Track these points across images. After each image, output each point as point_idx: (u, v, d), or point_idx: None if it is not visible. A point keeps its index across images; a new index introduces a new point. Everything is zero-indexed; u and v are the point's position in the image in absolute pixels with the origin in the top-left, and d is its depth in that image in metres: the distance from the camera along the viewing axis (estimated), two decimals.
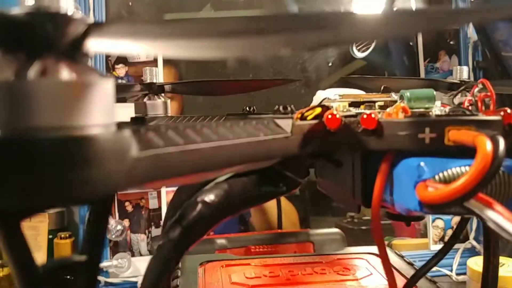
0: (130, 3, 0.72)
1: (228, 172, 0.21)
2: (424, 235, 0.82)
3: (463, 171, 0.20)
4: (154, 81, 0.42)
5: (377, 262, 0.48)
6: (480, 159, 0.18)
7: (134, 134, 0.13)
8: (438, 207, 0.19)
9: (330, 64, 0.93)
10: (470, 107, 0.28)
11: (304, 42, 0.13)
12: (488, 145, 0.18)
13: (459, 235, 0.38)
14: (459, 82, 0.44)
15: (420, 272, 0.38)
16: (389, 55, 0.94)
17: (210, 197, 0.22)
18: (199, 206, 0.21)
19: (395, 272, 0.47)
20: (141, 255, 0.74)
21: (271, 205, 0.79)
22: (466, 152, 0.19)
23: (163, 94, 0.42)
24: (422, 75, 0.86)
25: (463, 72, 0.49)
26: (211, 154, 0.16)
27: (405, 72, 0.90)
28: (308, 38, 0.13)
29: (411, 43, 0.89)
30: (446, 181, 0.20)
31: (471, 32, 0.86)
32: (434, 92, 0.27)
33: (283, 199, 0.82)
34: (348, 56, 0.89)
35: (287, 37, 0.12)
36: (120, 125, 0.13)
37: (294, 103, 0.33)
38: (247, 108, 0.37)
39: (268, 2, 0.90)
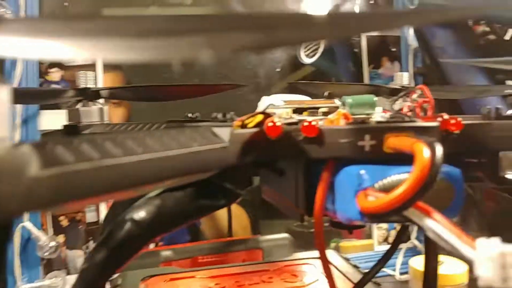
0: (66, 3, 0.68)
1: (157, 188, 0.19)
2: (370, 236, 0.84)
3: (402, 178, 0.20)
4: (89, 86, 0.39)
5: None
6: (418, 167, 0.17)
7: (37, 150, 0.12)
8: (378, 217, 0.19)
9: (279, 70, 0.93)
10: (409, 113, 0.28)
11: (232, 44, 0.12)
12: (426, 152, 0.18)
13: (401, 237, 0.39)
14: (400, 87, 0.45)
15: (367, 277, 0.38)
16: (335, 61, 0.96)
17: (140, 215, 0.20)
18: (128, 225, 0.20)
19: (341, 276, 0.47)
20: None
21: (222, 211, 0.78)
22: (407, 158, 0.19)
23: (99, 100, 0.40)
24: (367, 80, 0.88)
25: (404, 78, 0.50)
26: (133, 169, 0.15)
27: (350, 78, 0.92)
28: (238, 40, 0.12)
29: (356, 50, 0.91)
30: (386, 189, 0.19)
31: (411, 39, 0.89)
32: (375, 98, 0.27)
33: (233, 205, 0.81)
34: (298, 62, 0.89)
35: (211, 38, 0.11)
36: (43, 136, 0.11)
37: (243, 108, 0.31)
38: (190, 115, 0.36)
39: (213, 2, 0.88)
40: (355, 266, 0.50)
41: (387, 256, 0.38)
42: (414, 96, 0.26)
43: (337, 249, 0.81)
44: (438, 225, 0.17)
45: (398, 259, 0.78)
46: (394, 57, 0.91)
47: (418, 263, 0.66)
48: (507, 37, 0.83)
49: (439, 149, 0.18)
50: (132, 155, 0.14)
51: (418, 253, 0.80)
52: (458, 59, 0.84)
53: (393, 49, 0.91)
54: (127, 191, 0.15)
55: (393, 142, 0.20)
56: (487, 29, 0.85)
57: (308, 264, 0.50)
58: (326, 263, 0.24)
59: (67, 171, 0.12)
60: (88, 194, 0.13)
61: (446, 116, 0.23)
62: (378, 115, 0.26)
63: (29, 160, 0.11)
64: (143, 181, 0.15)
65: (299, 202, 0.25)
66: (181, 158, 0.17)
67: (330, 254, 0.55)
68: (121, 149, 0.14)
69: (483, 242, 0.15)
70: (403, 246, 0.81)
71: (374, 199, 0.19)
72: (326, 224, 0.26)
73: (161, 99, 0.50)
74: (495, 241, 0.14)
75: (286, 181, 0.26)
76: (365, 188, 0.19)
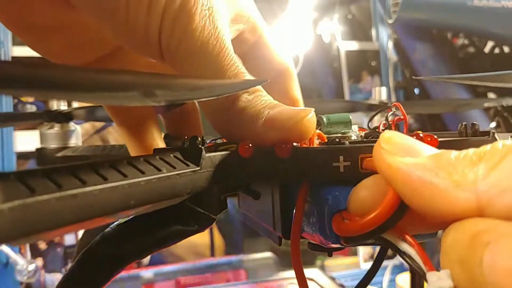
0: None
1: (125, 216, 0.19)
2: (355, 252, 0.84)
3: None
4: (62, 108, 0.38)
5: (310, 286, 0.47)
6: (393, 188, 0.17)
7: None
8: (354, 239, 0.18)
9: None
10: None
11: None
12: None
13: (383, 255, 0.38)
14: (378, 103, 0.45)
15: None
16: (315, 77, 0.96)
17: (111, 241, 0.19)
18: (99, 252, 0.19)
19: None
20: None
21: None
22: None
23: (72, 122, 0.39)
24: (347, 95, 0.88)
25: (382, 93, 0.51)
26: (99, 198, 0.14)
27: (331, 93, 0.93)
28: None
29: (335, 65, 0.92)
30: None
31: (390, 53, 0.91)
32: (351, 117, 0.26)
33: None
34: None
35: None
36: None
37: None
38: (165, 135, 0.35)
39: None
40: (341, 286, 0.50)
41: (370, 274, 0.37)
42: (390, 113, 0.26)
43: (322, 267, 0.80)
44: (413, 249, 0.16)
45: (385, 276, 0.77)
46: (374, 71, 0.92)
47: (404, 280, 0.66)
48: (486, 50, 0.85)
49: None
50: (97, 183, 0.14)
51: (404, 269, 0.79)
52: (438, 72, 0.85)
53: (373, 63, 0.92)
54: (94, 220, 0.14)
55: (368, 162, 0.20)
56: (466, 42, 0.87)
57: (293, 283, 0.49)
58: (305, 284, 0.23)
59: (30, 202, 0.11)
60: (54, 225, 0.12)
61: (421, 134, 0.23)
62: (354, 134, 0.26)
63: None
64: (110, 210, 0.15)
65: (275, 225, 0.24)
66: (149, 184, 0.16)
67: (315, 273, 0.54)
68: (87, 177, 0.14)
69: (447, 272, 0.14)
70: (390, 263, 0.80)
71: (350, 222, 0.18)
72: None
73: None
74: None
75: (262, 203, 0.25)
76: (340, 210, 0.19)
